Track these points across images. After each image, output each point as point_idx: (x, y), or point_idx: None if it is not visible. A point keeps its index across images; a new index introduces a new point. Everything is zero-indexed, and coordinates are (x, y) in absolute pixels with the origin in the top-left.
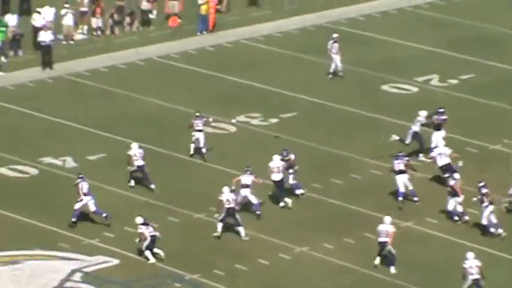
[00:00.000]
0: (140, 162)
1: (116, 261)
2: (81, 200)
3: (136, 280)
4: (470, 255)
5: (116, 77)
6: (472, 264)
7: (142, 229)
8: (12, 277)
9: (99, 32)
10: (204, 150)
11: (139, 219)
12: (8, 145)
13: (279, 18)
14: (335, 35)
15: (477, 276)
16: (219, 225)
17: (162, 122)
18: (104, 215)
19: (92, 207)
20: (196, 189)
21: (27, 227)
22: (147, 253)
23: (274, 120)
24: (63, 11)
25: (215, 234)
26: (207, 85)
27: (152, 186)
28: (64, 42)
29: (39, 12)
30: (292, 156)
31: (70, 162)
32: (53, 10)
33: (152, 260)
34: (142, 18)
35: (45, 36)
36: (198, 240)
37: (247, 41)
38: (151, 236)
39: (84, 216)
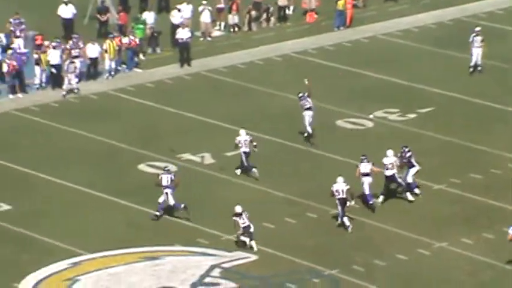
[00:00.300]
0: (246, 149)
1: (254, 257)
2: (164, 193)
3: (275, 275)
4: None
5: (253, 73)
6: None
7: (236, 218)
8: (153, 272)
9: (236, 29)
10: (309, 129)
11: (237, 208)
12: (146, 142)
13: (416, 13)
14: (477, 28)
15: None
16: (345, 220)
17: (300, 118)
18: (182, 205)
19: (171, 201)
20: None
21: (167, 223)
22: (241, 238)
23: (412, 115)
24: (200, 8)
25: (349, 231)
26: (344, 81)
27: (254, 170)
28: (201, 39)
29: (178, 10)
30: (408, 154)
31: (208, 159)
32: (190, 7)
33: (249, 245)
34: (279, 14)
35: (183, 34)
36: (337, 235)
37: (384, 36)
38: (244, 227)
39: (222, 212)
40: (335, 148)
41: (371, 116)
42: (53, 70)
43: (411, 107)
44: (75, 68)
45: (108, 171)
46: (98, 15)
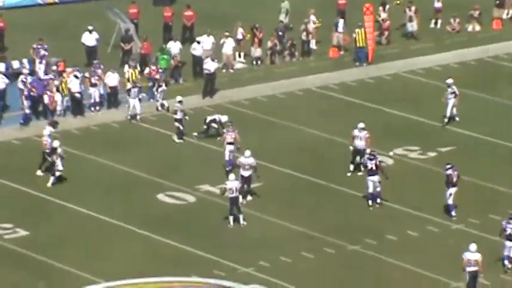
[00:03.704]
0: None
1: None
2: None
3: None
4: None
5: (275, 106)
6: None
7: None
8: None
9: (258, 62)
10: None
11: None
12: (166, 172)
13: (440, 52)
14: (449, 81)
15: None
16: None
17: (320, 153)
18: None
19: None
20: (353, 220)
21: (184, 253)
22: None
23: (432, 154)
24: (221, 40)
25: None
26: (366, 117)
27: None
28: (224, 71)
29: (198, 42)
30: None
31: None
32: (211, 39)
33: None
34: (303, 48)
35: (210, 65)
36: (353, 272)
37: (406, 73)
38: None
39: (240, 244)
40: (354, 183)
41: (391, 153)
42: (77, 95)
43: (432, 145)
44: (139, 92)
45: (128, 201)
46: (122, 44)
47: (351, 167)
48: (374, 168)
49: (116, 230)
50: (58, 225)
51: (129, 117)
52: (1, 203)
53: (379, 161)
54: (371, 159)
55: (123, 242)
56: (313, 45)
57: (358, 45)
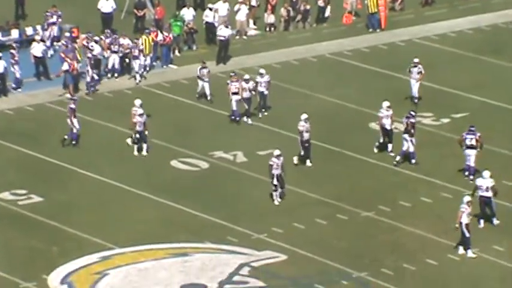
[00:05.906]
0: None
1: (284, 257)
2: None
3: (304, 276)
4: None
5: (289, 73)
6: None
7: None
8: (182, 269)
9: (272, 28)
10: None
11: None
12: (179, 138)
13: (453, 18)
14: (415, 60)
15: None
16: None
17: (334, 120)
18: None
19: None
20: (366, 187)
21: (198, 220)
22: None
23: (445, 120)
24: (236, 7)
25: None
26: (379, 83)
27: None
28: (237, 38)
29: (210, 9)
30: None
31: (240, 157)
32: (226, 5)
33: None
34: (318, 15)
35: (224, 32)
36: (367, 238)
37: (420, 39)
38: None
39: (253, 211)
40: (367, 150)
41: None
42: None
43: (445, 111)
44: (209, 73)
45: (141, 167)
46: (135, 10)
47: (390, 147)
48: (406, 126)
49: (129, 196)
50: (72, 192)
51: (197, 96)
52: (15, 169)
53: (411, 122)
54: (408, 117)
55: (136, 208)
56: (328, 12)
57: (370, 11)
